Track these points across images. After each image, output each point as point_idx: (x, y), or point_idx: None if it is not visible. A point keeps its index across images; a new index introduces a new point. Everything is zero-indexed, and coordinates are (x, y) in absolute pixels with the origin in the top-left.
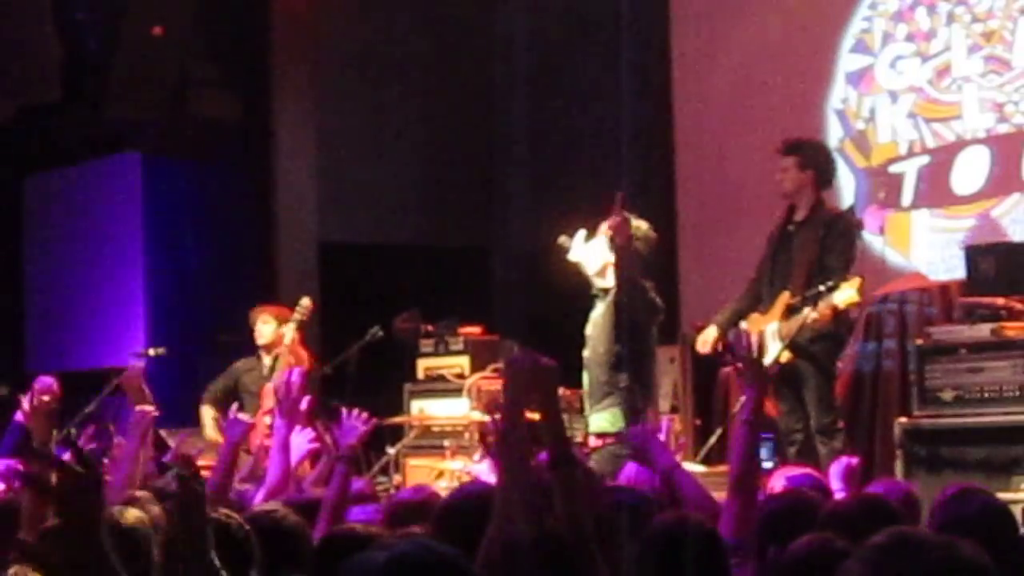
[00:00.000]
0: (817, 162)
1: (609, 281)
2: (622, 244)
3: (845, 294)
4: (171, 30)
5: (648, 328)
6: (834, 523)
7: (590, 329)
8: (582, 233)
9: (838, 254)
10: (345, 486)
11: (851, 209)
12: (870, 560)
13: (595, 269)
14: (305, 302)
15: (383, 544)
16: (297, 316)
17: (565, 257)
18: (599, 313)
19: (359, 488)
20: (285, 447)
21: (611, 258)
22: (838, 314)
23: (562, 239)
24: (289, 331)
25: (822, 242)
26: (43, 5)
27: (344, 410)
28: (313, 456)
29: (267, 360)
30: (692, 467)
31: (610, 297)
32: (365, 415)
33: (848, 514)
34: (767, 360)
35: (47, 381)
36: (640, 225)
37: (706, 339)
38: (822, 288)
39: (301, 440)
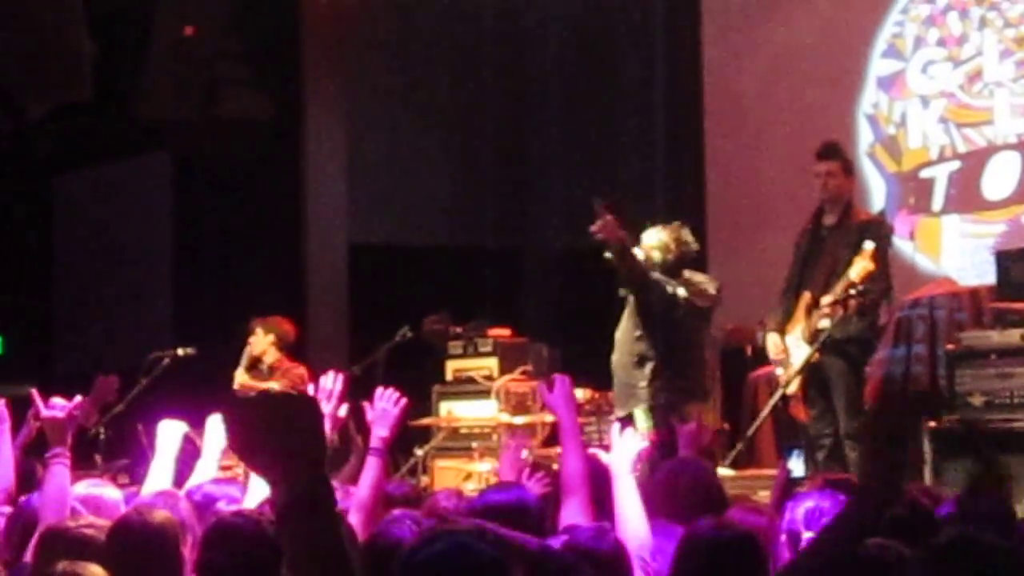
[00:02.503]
0: (853, 168)
1: None
2: (615, 245)
3: (858, 267)
4: (203, 30)
5: (672, 321)
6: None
7: (617, 333)
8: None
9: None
10: (380, 483)
11: (882, 214)
12: (931, 560)
13: None
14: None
15: (427, 538)
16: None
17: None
18: (624, 316)
19: (404, 491)
20: None
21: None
22: (862, 303)
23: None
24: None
25: (856, 247)
26: (76, 4)
27: (379, 391)
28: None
29: (265, 370)
30: (722, 471)
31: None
32: (396, 395)
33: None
34: (795, 365)
35: (113, 381)
36: (666, 233)
37: (777, 344)
38: (852, 292)
39: None
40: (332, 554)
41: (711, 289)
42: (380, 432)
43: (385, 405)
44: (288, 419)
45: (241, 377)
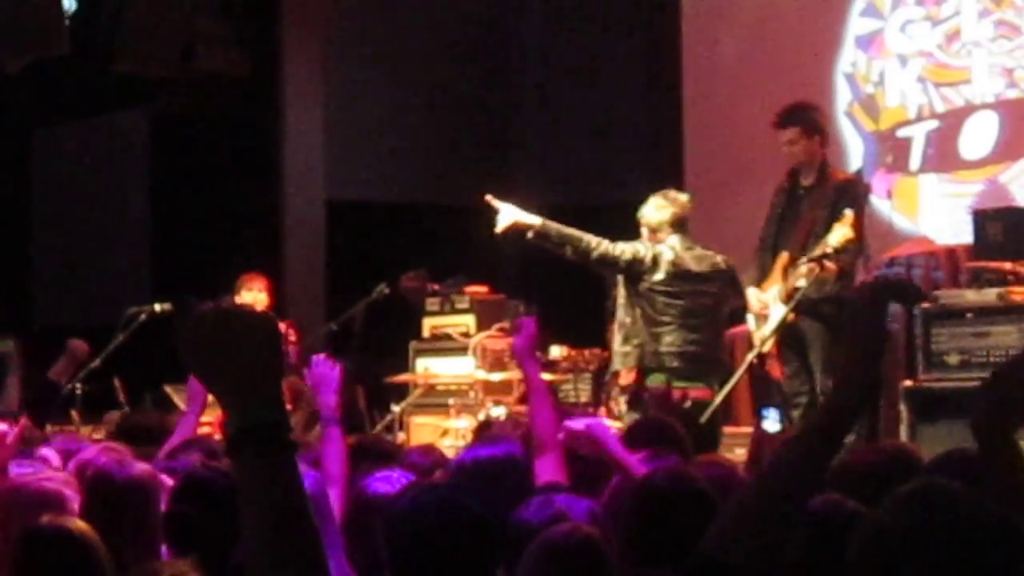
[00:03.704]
0: (819, 124)
1: None
2: (529, 234)
3: (838, 233)
4: None
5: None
6: (850, 477)
7: None
8: None
9: None
10: (344, 452)
11: (859, 173)
12: (896, 510)
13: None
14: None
15: (411, 492)
16: None
17: None
18: None
19: (383, 448)
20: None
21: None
22: (841, 266)
23: None
24: None
25: (833, 207)
26: None
27: (314, 357)
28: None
29: None
30: None
31: None
32: (328, 359)
33: (865, 469)
34: (770, 326)
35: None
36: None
37: (761, 299)
38: (829, 250)
39: None
40: (286, 486)
41: (700, 264)
42: (327, 399)
43: (322, 370)
44: (246, 334)
45: None
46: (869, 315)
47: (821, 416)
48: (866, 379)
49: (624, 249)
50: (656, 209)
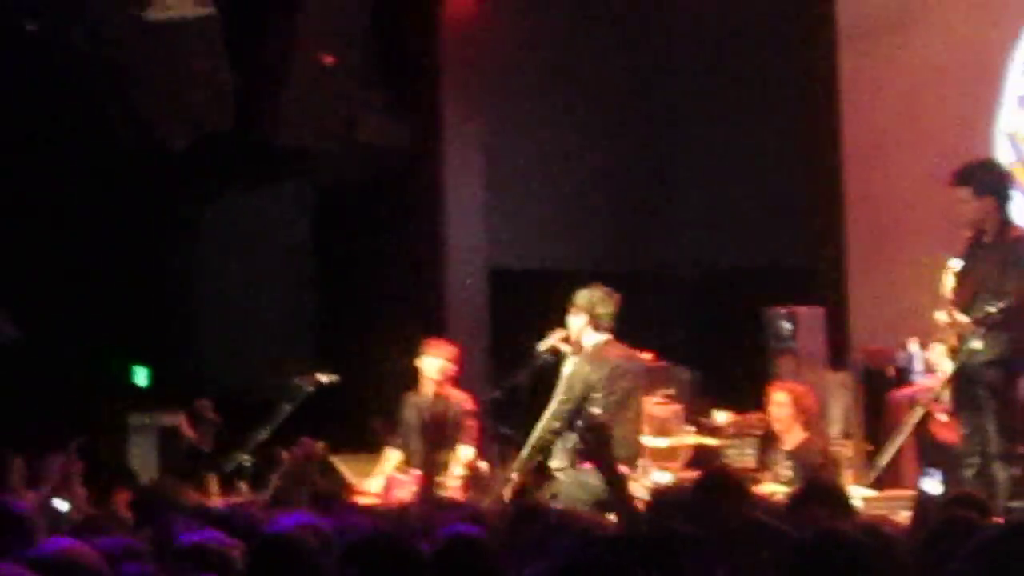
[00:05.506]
0: (993, 185)
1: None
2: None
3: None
4: (341, 59)
5: None
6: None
7: None
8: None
9: (1016, 279)
10: None
11: None
12: (795, 556)
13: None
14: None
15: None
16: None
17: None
18: None
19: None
20: None
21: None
22: (981, 321)
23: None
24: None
25: (1003, 265)
26: (216, 36)
27: None
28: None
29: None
30: (863, 491)
31: None
32: None
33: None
34: (937, 385)
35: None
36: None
37: (944, 319)
38: (991, 309)
39: None
40: None
41: None
42: None
43: None
44: None
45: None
46: None
47: None
48: None
49: (567, 407)
50: (602, 303)
